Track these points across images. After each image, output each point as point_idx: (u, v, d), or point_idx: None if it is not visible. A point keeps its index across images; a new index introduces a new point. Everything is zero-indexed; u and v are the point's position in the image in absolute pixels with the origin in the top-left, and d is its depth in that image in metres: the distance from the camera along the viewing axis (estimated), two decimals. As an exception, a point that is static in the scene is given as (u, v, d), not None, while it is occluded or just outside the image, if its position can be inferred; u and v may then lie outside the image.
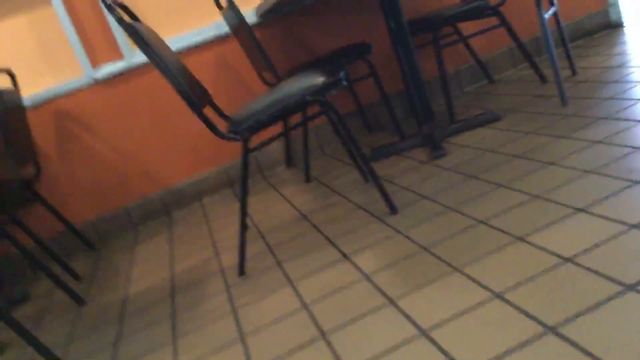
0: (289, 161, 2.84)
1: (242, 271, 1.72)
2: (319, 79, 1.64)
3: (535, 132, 1.98)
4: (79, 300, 1.99)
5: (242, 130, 1.63)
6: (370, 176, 1.90)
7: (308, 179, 2.44)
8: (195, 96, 1.59)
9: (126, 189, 2.73)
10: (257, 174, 2.85)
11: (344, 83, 1.63)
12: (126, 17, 2.62)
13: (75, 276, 2.28)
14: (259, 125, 1.64)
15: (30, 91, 2.59)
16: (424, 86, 2.21)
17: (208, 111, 2.72)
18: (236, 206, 2.46)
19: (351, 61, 2.51)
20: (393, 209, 1.75)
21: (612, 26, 3.13)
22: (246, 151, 1.66)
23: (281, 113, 1.65)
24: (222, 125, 2.73)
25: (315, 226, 1.88)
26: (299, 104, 1.65)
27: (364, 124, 2.96)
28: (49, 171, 2.64)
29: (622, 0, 3.15)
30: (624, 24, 3.08)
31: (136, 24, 1.54)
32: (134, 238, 2.57)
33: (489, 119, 2.30)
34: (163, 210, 2.78)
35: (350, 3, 2.85)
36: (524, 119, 2.17)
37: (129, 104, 2.66)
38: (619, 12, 3.11)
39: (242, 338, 1.35)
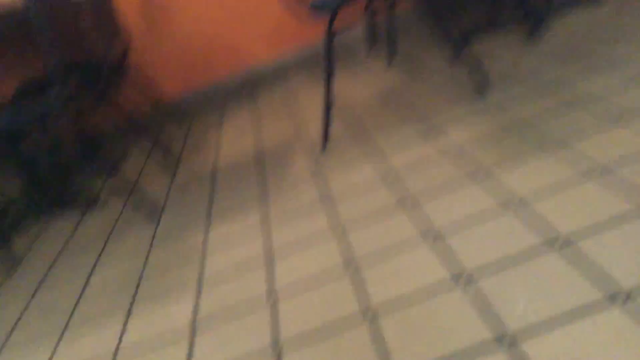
0: (372, 43, 2.77)
1: (326, 144, 1.77)
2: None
3: (648, 14, 1.81)
4: (173, 165, 2.13)
5: (328, 5, 1.59)
6: (460, 54, 1.84)
7: (391, 61, 2.39)
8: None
9: (212, 67, 2.79)
10: (339, 57, 2.82)
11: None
12: None
13: (165, 148, 2.43)
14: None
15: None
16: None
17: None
18: (319, 87, 2.47)
19: None
20: (485, 87, 1.70)
21: None
22: (332, 25, 1.63)
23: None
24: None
25: (400, 104, 1.87)
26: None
27: (454, 4, 2.80)
28: (138, 50, 2.72)
29: None
30: None
31: None
32: (220, 114, 2.67)
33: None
34: (248, 88, 2.84)
35: None
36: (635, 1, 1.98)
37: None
38: None
39: (328, 199, 1.41)
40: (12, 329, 1.37)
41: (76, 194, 2.24)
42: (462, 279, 0.95)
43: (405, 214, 1.22)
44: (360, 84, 2.27)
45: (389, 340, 0.88)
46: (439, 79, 1.96)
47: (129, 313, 1.24)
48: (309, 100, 2.33)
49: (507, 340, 0.79)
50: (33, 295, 1.51)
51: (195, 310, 1.16)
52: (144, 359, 1.07)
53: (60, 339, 1.24)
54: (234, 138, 2.23)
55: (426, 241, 1.10)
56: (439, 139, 1.52)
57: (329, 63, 1.65)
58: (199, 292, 1.23)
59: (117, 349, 1.13)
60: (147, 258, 1.48)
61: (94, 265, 1.56)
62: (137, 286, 1.35)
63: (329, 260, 1.16)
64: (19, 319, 1.42)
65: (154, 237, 1.60)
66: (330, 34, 1.63)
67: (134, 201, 1.77)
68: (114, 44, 2.43)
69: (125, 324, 1.20)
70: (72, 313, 1.34)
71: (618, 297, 0.80)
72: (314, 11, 1.61)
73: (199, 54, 2.77)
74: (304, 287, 1.10)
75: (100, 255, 1.61)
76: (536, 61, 1.79)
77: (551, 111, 1.43)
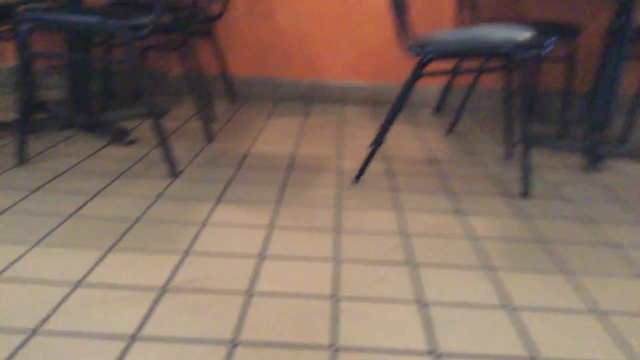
0: (439, 108, 2.78)
1: (358, 178, 1.76)
2: (526, 35, 1.56)
3: None
4: (209, 135, 2.14)
5: (428, 50, 1.60)
6: (520, 153, 1.82)
7: (451, 131, 2.39)
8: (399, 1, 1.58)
9: (286, 63, 2.83)
10: (406, 105, 2.83)
11: (546, 51, 1.54)
12: None
13: (213, 116, 2.45)
14: (446, 52, 1.61)
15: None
16: (615, 96, 2.03)
17: (393, 23, 2.70)
18: (372, 124, 2.48)
19: (552, 37, 2.35)
20: (526, 193, 1.68)
21: None
22: (419, 70, 1.64)
23: (473, 51, 1.60)
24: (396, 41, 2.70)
25: (441, 174, 1.86)
26: (494, 50, 1.59)
27: (533, 107, 2.80)
28: (231, 17, 2.78)
29: None
30: None
31: None
32: (272, 109, 2.70)
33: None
34: (307, 97, 2.87)
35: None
36: None
37: (322, -12, 2.70)
38: None
39: (336, 231, 1.40)
40: (-1, 216, 1.38)
41: (111, 122, 2.27)
42: (434, 355, 0.93)
43: (404, 273, 1.20)
44: (413, 139, 2.26)
45: (339, 383, 0.85)
46: (487, 167, 1.95)
47: (102, 257, 1.24)
48: (359, 133, 2.33)
49: None
50: (20, 200, 1.52)
51: (171, 276, 1.15)
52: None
53: (27, 252, 1.24)
54: (274, 136, 2.24)
55: (413, 306, 1.08)
56: (463, 221, 1.50)
57: (399, 104, 1.66)
58: (181, 261, 1.22)
59: (65, 298, 1.12)
60: (146, 209, 1.48)
61: (95, 194, 1.56)
62: (123, 234, 1.34)
63: (315, 286, 1.14)
64: (4, 211, 1.43)
65: (162, 193, 1.60)
66: (415, 78, 1.63)
67: (161, 151, 1.79)
68: (213, 3, 2.48)
69: (94, 266, 1.20)
70: (48, 234, 1.34)
71: None
72: (413, 49, 1.62)
73: (281, 46, 2.81)
74: (281, 299, 1.09)
75: (105, 188, 1.62)
76: (583, 191, 1.76)
77: (579, 242, 1.40)
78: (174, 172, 1.74)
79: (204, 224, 1.41)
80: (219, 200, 1.57)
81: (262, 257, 1.25)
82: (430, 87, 2.81)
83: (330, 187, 1.70)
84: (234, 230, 1.38)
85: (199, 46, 2.83)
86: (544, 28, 2.33)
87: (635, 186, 1.82)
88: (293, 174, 1.80)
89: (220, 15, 2.64)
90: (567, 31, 2.32)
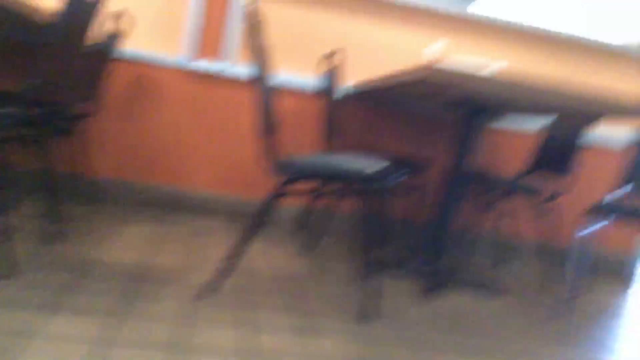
0: (299, 226, 2.88)
1: (210, 293, 1.72)
2: (379, 167, 1.72)
3: (518, 315, 2.00)
4: (52, 238, 2.00)
5: (292, 170, 1.69)
6: (363, 278, 1.92)
7: (308, 249, 2.46)
8: (268, 122, 1.68)
9: (151, 169, 2.80)
10: (264, 224, 2.89)
11: (394, 182, 1.71)
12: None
13: (60, 217, 2.30)
14: (309, 174, 1.70)
15: (127, 45, 2.74)
16: (447, 230, 2.27)
17: (259, 142, 2.82)
18: (231, 238, 2.48)
19: (402, 170, 2.61)
20: (366, 317, 1.75)
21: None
22: (280, 189, 1.71)
23: (334, 175, 1.71)
24: (261, 161, 2.81)
25: (294, 292, 1.89)
26: (349, 177, 1.71)
27: (383, 235, 3.00)
28: (97, 118, 2.73)
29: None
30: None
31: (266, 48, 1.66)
32: (131, 214, 2.60)
33: (490, 288, 2.33)
34: (167, 205, 2.82)
35: (435, 123, 2.99)
36: (515, 304, 2.19)
37: (199, 102, 2.79)
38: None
39: (180, 351, 1.33)
40: None
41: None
42: None
43: (244, 398, 1.16)
44: (270, 256, 2.30)
45: None
46: (338, 287, 2.02)
47: None
48: (216, 246, 2.32)
49: None
50: None
51: (-24, 397, 1.00)
52: None
53: None
54: (126, 243, 2.14)
55: None
56: (311, 340, 1.51)
57: (258, 220, 1.69)
58: (-8, 378, 1.08)
59: None
60: (-37, 315, 1.31)
61: None
62: None
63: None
64: None
65: (-14, 297, 1.43)
66: (277, 195, 1.69)
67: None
68: (84, 100, 2.41)
69: None
70: None
71: None
72: (276, 168, 1.69)
73: (145, 152, 2.79)
74: None
75: None
76: (424, 315, 1.89)
77: (418, 365, 1.48)
78: (4, 277, 1.58)
79: (30, 337, 1.26)
80: (52, 310, 1.43)
81: (90, 377, 1.14)
82: (291, 206, 2.92)
83: (178, 301, 1.64)
84: (65, 346, 1.25)
85: (57, 143, 2.71)
86: (398, 161, 2.58)
87: (469, 312, 1.98)
88: (138, 286, 1.72)
89: (86, 114, 2.59)
90: (416, 166, 2.60)
